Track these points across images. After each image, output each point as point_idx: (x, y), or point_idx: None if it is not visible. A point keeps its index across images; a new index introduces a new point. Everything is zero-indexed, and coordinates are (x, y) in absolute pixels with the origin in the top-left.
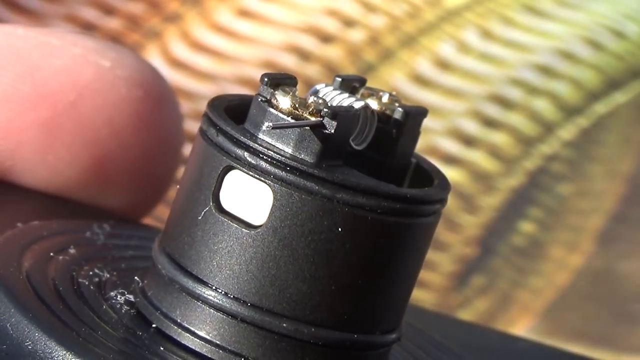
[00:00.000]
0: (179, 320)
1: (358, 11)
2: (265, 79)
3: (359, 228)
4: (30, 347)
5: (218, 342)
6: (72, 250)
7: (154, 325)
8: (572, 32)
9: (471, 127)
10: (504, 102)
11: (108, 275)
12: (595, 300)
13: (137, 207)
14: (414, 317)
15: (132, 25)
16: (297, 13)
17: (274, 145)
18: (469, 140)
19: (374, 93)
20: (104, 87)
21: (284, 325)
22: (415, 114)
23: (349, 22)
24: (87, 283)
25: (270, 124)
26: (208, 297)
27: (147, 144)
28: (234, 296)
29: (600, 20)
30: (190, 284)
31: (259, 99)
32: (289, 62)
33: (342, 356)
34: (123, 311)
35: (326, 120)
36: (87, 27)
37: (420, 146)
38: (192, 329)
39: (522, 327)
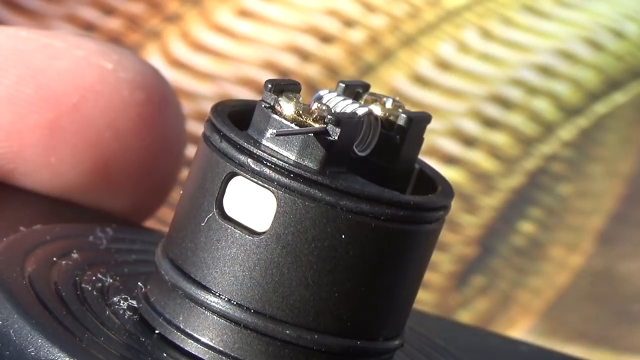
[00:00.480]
0: (182, 327)
1: (358, 11)
2: (269, 85)
3: (362, 235)
4: (33, 353)
5: (221, 349)
6: (75, 255)
7: (157, 332)
8: (572, 32)
9: (471, 127)
10: (504, 102)
11: (111, 280)
12: (595, 300)
13: (140, 209)
14: (415, 321)
15: (132, 26)
16: (297, 13)
17: (277, 152)
18: (469, 141)
19: (378, 99)
20: (107, 89)
21: (287, 331)
22: (419, 120)
23: (349, 22)
24: (90, 288)
25: (274, 131)
26: (211, 303)
27: (150, 146)
28: (237, 303)
29: (600, 20)
30: (193, 290)
31: (263, 105)
32: (289, 63)
33: None
34: (126, 317)
35: (330, 127)
36: (87, 27)
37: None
38: (195, 335)
39: (522, 328)
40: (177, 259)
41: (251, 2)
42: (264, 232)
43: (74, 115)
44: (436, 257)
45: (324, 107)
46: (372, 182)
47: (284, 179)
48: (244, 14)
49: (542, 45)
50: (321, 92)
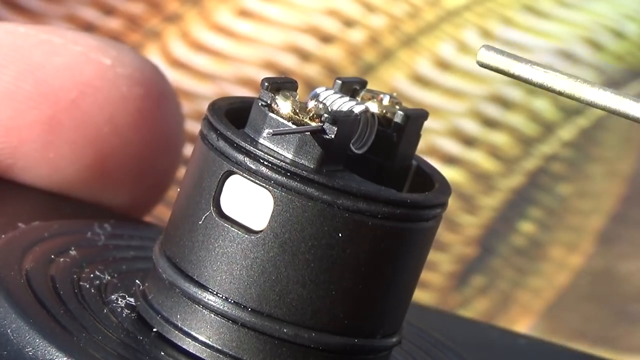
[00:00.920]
0: (179, 325)
1: (358, 11)
2: (266, 84)
3: (359, 233)
4: (31, 353)
5: (219, 347)
6: (73, 252)
7: (154, 330)
8: (572, 32)
9: (471, 127)
10: (504, 102)
11: (109, 278)
12: (595, 300)
13: (138, 204)
14: (414, 316)
15: (132, 25)
16: (297, 13)
17: (274, 151)
18: (469, 140)
19: (375, 96)
20: (105, 84)
21: (285, 330)
22: (416, 117)
23: (349, 22)
24: (88, 286)
25: (271, 130)
26: (209, 301)
27: (148, 141)
28: (234, 301)
29: (600, 20)
30: (190, 288)
31: (260, 104)
32: (289, 62)
33: None
34: (124, 315)
35: (327, 126)
36: (87, 27)
37: (420, 146)
38: (193, 333)
39: (522, 327)
40: (174, 257)
41: (251, 2)
42: (261, 231)
43: (72, 110)
44: (436, 257)
45: (320, 105)
46: (369, 180)
47: (280, 177)
48: (244, 14)
49: (542, 45)
50: (318, 90)
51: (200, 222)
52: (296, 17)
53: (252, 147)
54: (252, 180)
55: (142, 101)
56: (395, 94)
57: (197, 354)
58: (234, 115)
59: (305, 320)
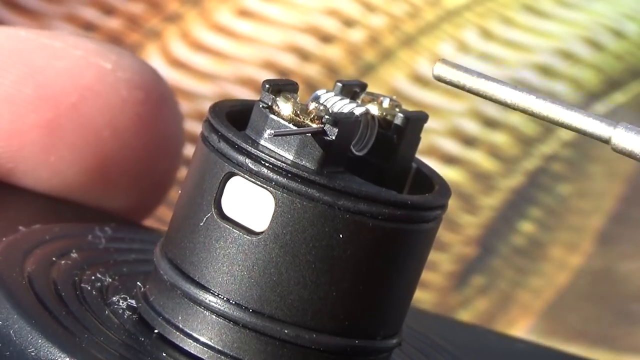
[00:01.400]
0: (181, 326)
1: (358, 11)
2: (267, 85)
3: (360, 234)
4: (33, 353)
5: (220, 348)
6: (74, 255)
7: (156, 331)
8: (572, 32)
9: (471, 127)
10: None
11: (110, 280)
12: (595, 300)
13: (139, 208)
14: (413, 319)
15: (132, 25)
16: (297, 13)
17: (275, 152)
18: (469, 140)
19: (375, 98)
20: (106, 88)
21: (286, 331)
22: (416, 119)
23: (349, 22)
24: (89, 288)
25: (272, 131)
26: (210, 303)
27: (148, 145)
28: (235, 302)
29: (600, 20)
30: (192, 289)
31: (261, 105)
32: (289, 62)
33: None
34: (125, 316)
35: (327, 127)
36: (87, 27)
37: (420, 146)
38: (194, 334)
39: (522, 327)
40: (175, 259)
41: (251, 2)
42: (262, 232)
43: (72, 114)
44: (436, 257)
45: (321, 107)
46: (369, 182)
47: (281, 179)
48: (244, 14)
49: (542, 45)
50: (318, 92)
51: (201, 224)
52: (296, 17)
53: (253, 149)
54: (253, 182)
55: (142, 105)
56: (395, 97)
57: (199, 355)
58: (235, 117)
59: (306, 321)
